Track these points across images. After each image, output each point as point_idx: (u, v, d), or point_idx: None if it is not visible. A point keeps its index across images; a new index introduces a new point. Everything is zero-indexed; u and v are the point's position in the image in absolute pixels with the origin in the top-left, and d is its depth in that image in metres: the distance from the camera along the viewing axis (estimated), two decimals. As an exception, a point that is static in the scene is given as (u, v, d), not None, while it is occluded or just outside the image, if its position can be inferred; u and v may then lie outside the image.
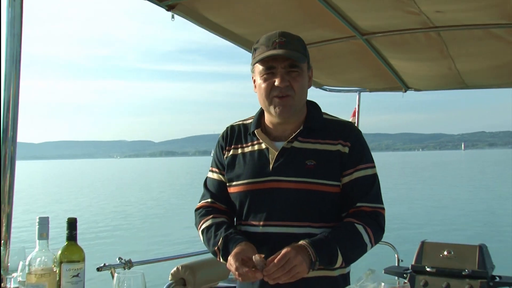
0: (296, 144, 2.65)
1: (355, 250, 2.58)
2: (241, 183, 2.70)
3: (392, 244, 6.31)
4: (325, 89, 6.37)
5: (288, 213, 2.60)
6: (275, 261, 2.34)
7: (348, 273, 2.73)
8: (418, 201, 37.86)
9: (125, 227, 28.12)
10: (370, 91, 6.70)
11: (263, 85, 2.62)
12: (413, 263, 5.78)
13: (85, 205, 41.66)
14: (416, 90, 6.47)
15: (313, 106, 2.77)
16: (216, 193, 2.83)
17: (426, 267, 5.68)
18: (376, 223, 2.62)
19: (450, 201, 38.41)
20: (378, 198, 2.68)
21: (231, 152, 2.79)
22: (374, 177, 2.69)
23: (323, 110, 2.80)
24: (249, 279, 2.44)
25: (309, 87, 2.73)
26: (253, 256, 2.40)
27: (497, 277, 5.57)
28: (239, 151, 2.77)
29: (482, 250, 5.60)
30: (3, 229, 3.13)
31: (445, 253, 5.71)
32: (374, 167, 2.71)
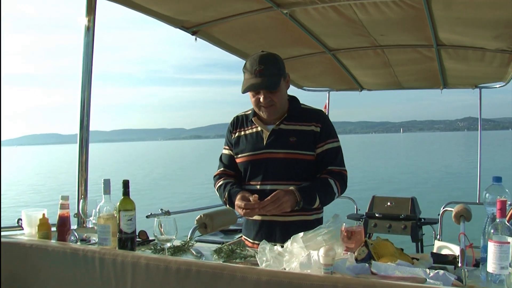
0: (282, 126, 2.65)
1: (328, 196, 2.59)
2: (244, 155, 2.71)
3: (352, 198, 6.33)
4: (304, 89, 6.35)
5: (277, 175, 2.60)
6: (269, 197, 2.41)
7: (322, 217, 2.73)
8: (372, 166, 37.95)
9: (166, 186, 28.16)
10: (337, 91, 6.68)
11: (252, 99, 2.62)
12: (366, 211, 5.81)
13: (139, 170, 41.78)
14: (368, 90, 6.44)
15: (293, 99, 2.74)
16: (227, 163, 2.83)
17: (375, 213, 5.71)
18: (342, 180, 2.63)
19: (393, 166, 38.53)
20: (342, 163, 2.68)
21: (236, 134, 2.79)
22: (339, 149, 2.68)
23: (302, 102, 2.78)
24: (251, 214, 2.52)
25: (287, 88, 2.70)
26: (251, 198, 2.45)
27: (422, 219, 5.65)
28: (242, 133, 2.77)
29: (413, 200, 5.67)
30: (82, 188, 3.16)
31: (388, 203, 5.73)
32: (339, 141, 2.70)
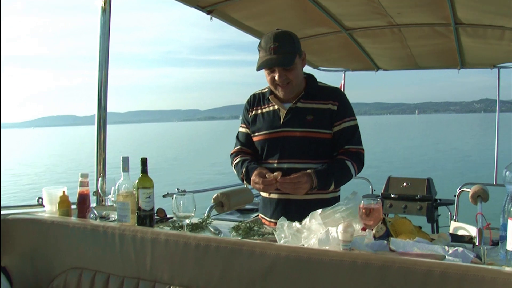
0: (299, 104, 2.63)
1: (344, 179, 2.60)
2: (261, 133, 2.70)
3: (368, 179, 6.32)
4: (319, 70, 6.29)
5: (294, 154, 2.60)
6: (291, 176, 2.43)
7: (339, 196, 2.73)
8: (387, 147, 37.81)
9: (181, 166, 28.31)
10: (352, 71, 6.62)
11: (268, 78, 2.60)
12: (382, 191, 5.79)
13: (155, 151, 42.04)
14: (384, 70, 6.36)
15: (310, 77, 2.72)
16: (244, 142, 2.83)
17: (391, 194, 5.69)
18: (359, 160, 2.62)
19: (409, 147, 38.39)
20: (359, 142, 2.67)
21: (253, 112, 2.78)
22: (356, 127, 2.66)
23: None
24: (268, 189, 2.55)
25: (303, 66, 2.67)
26: (267, 175, 2.48)
27: (438, 200, 5.61)
28: (259, 111, 2.75)
29: (429, 181, 5.64)
30: (101, 167, 3.18)
31: (404, 184, 5.71)
32: (356, 120, 2.68)
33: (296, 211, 2.48)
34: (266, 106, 2.73)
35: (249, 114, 2.80)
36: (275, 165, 2.63)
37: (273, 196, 2.67)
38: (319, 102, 2.62)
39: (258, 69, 2.56)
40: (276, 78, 2.55)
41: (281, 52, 2.50)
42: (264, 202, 2.77)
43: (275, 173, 2.45)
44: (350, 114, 2.66)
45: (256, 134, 2.73)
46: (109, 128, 3.24)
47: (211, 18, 3.96)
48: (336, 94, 2.66)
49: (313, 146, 2.59)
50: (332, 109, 2.60)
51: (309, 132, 2.58)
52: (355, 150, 2.62)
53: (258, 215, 2.88)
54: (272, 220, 2.65)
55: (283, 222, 2.02)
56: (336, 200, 2.66)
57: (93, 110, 3.24)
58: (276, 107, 2.68)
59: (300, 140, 2.59)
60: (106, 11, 3.18)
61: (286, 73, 2.54)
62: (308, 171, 2.48)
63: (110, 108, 3.28)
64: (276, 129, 2.64)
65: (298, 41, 2.62)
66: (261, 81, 2.68)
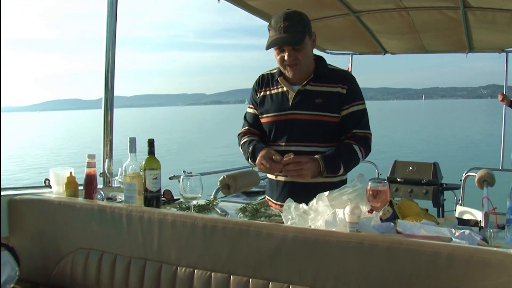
0: (308, 87, 2.60)
1: (352, 163, 2.59)
2: (269, 115, 2.69)
3: (374, 163, 6.31)
4: (327, 53, 6.24)
5: (302, 136, 2.58)
6: (294, 159, 2.40)
7: (346, 179, 2.71)
8: (393, 132, 37.77)
9: (187, 150, 28.34)
10: (360, 54, 6.58)
11: (277, 57, 2.57)
12: (388, 175, 5.78)
13: (161, 135, 42.12)
14: (392, 53, 6.32)
15: (320, 59, 2.69)
16: (252, 122, 2.82)
17: (397, 178, 5.68)
18: (367, 144, 2.61)
19: (415, 132, 38.35)
20: (367, 126, 2.65)
21: (262, 94, 2.75)
22: (365, 111, 2.64)
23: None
24: (273, 171, 2.54)
25: (313, 47, 2.63)
26: (273, 157, 2.45)
27: (444, 184, 5.61)
28: (268, 92, 2.73)
29: (435, 165, 5.63)
30: (107, 148, 3.19)
31: (410, 168, 5.70)
32: (365, 103, 2.65)
33: (302, 194, 2.46)
34: (275, 87, 2.71)
35: (257, 95, 2.77)
36: (283, 147, 2.61)
37: (280, 178, 2.67)
38: (329, 85, 2.59)
39: (267, 48, 2.54)
40: (286, 57, 2.52)
41: (291, 31, 2.47)
42: (270, 185, 2.77)
43: (286, 155, 2.43)
44: (359, 98, 2.63)
45: (264, 115, 2.72)
46: (115, 112, 3.24)
47: (218, 0, 3.92)
48: (346, 77, 2.63)
49: (321, 129, 2.58)
50: (341, 93, 2.57)
51: (317, 116, 2.56)
52: (362, 134, 2.60)
53: (265, 197, 2.88)
54: (279, 203, 2.64)
55: (290, 204, 2.02)
56: (343, 183, 2.62)
57: (98, 93, 3.23)
58: (285, 89, 2.66)
59: (308, 123, 2.57)
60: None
61: (295, 53, 2.51)
62: (316, 156, 2.47)
63: (116, 92, 3.27)
64: (285, 112, 2.62)
65: (309, 21, 2.58)
66: (268, 65, 2.65)
